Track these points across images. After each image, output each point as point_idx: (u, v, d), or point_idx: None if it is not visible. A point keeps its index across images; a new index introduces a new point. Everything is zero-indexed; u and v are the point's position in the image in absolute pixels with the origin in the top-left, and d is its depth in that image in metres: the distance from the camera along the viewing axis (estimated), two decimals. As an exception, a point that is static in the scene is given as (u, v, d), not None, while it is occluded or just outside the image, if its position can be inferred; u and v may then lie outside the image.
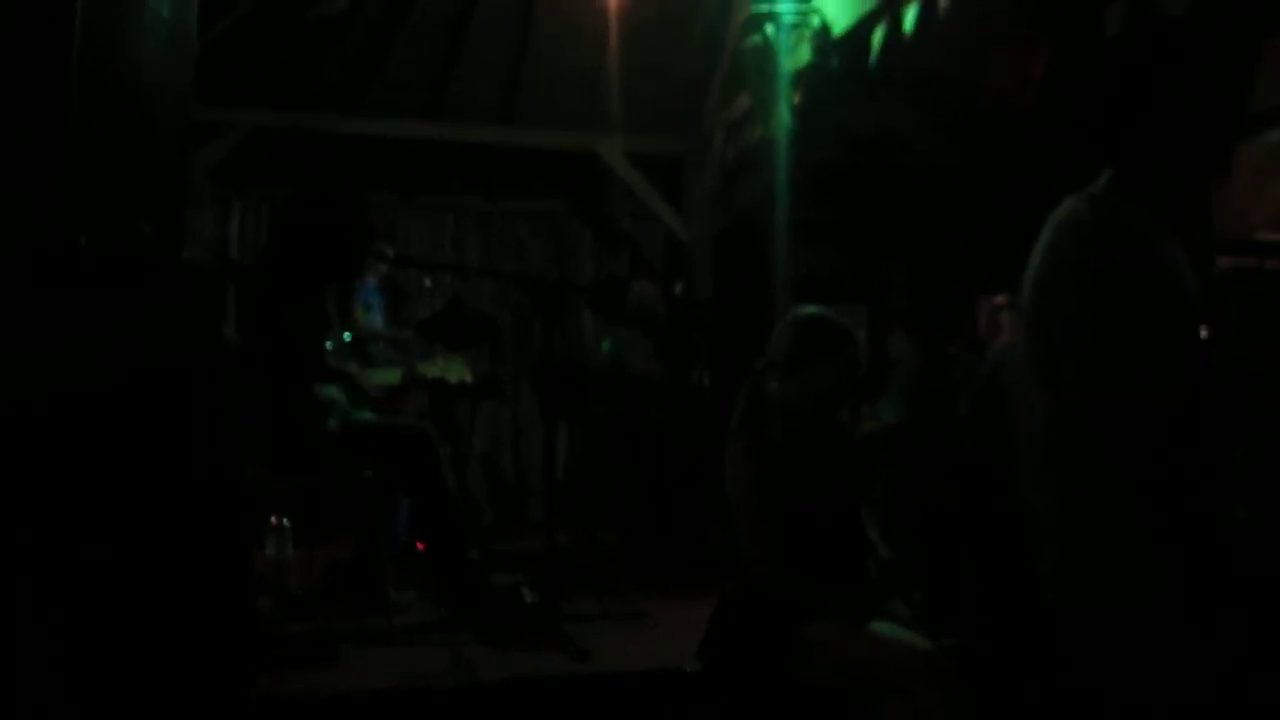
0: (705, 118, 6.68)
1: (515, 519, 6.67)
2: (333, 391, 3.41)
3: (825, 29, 4.77)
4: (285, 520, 3.72)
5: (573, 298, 6.87)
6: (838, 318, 2.58)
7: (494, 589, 3.40)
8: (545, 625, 3.12)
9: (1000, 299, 4.82)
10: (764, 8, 4.98)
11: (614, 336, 4.99)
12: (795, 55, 5.16)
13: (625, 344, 4.91)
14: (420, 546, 3.66)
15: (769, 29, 5.13)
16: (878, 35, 4.54)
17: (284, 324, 3.27)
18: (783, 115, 5.21)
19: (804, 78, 5.17)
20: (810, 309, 2.59)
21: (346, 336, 3.74)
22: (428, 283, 6.86)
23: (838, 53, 4.77)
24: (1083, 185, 1.74)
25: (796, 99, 5.29)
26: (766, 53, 5.19)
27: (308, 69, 6.17)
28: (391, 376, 3.77)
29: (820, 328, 2.54)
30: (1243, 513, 1.71)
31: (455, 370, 3.98)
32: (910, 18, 4.27)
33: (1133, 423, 1.58)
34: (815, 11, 4.86)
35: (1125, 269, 1.59)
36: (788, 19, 5.04)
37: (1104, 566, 1.65)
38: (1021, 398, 1.86)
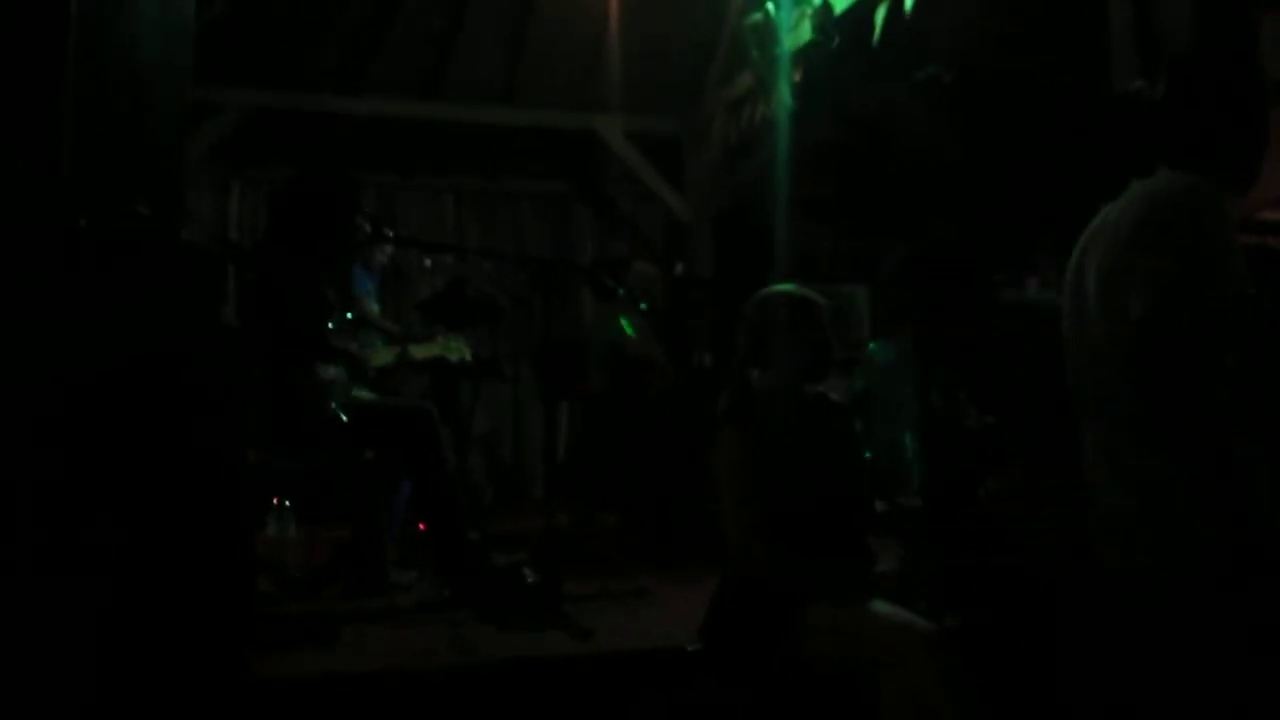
0: (705, 97, 6.64)
1: (515, 499, 6.69)
2: (333, 371, 3.41)
3: (826, 6, 4.74)
4: (286, 501, 3.73)
5: (572, 278, 6.85)
6: (797, 289, 2.56)
7: (495, 569, 3.41)
8: (546, 605, 3.13)
9: (1001, 278, 4.80)
10: (765, -16, 4.96)
11: (614, 321, 4.97)
12: (796, 33, 5.13)
13: (622, 324, 4.90)
14: (421, 527, 3.67)
15: (770, 6, 5.10)
16: (880, 13, 4.51)
17: (286, 307, 3.27)
18: (783, 94, 5.18)
19: (805, 56, 5.14)
20: (767, 290, 2.57)
21: (349, 315, 3.74)
22: (427, 263, 6.84)
23: (839, 30, 4.74)
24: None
25: (797, 77, 5.26)
26: (767, 30, 5.16)
27: (307, 48, 6.13)
28: (386, 357, 3.77)
29: (773, 306, 2.52)
30: None
31: (455, 349, 3.98)
32: (911, -4, 4.25)
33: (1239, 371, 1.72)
34: (816, -12, 4.83)
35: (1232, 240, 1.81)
36: (788, -5, 5.02)
37: (1175, 528, 1.73)
38: (1087, 364, 1.93)
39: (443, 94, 6.53)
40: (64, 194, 1.92)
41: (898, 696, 2.11)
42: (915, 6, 4.24)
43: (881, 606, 2.27)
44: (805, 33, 4.96)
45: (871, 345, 5.19)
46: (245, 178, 6.65)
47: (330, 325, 3.40)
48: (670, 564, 4.11)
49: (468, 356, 4.05)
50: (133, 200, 2.13)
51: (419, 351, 3.87)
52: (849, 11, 4.68)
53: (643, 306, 4.77)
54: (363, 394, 3.52)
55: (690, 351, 5.80)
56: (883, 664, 2.14)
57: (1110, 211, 1.95)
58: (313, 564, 3.75)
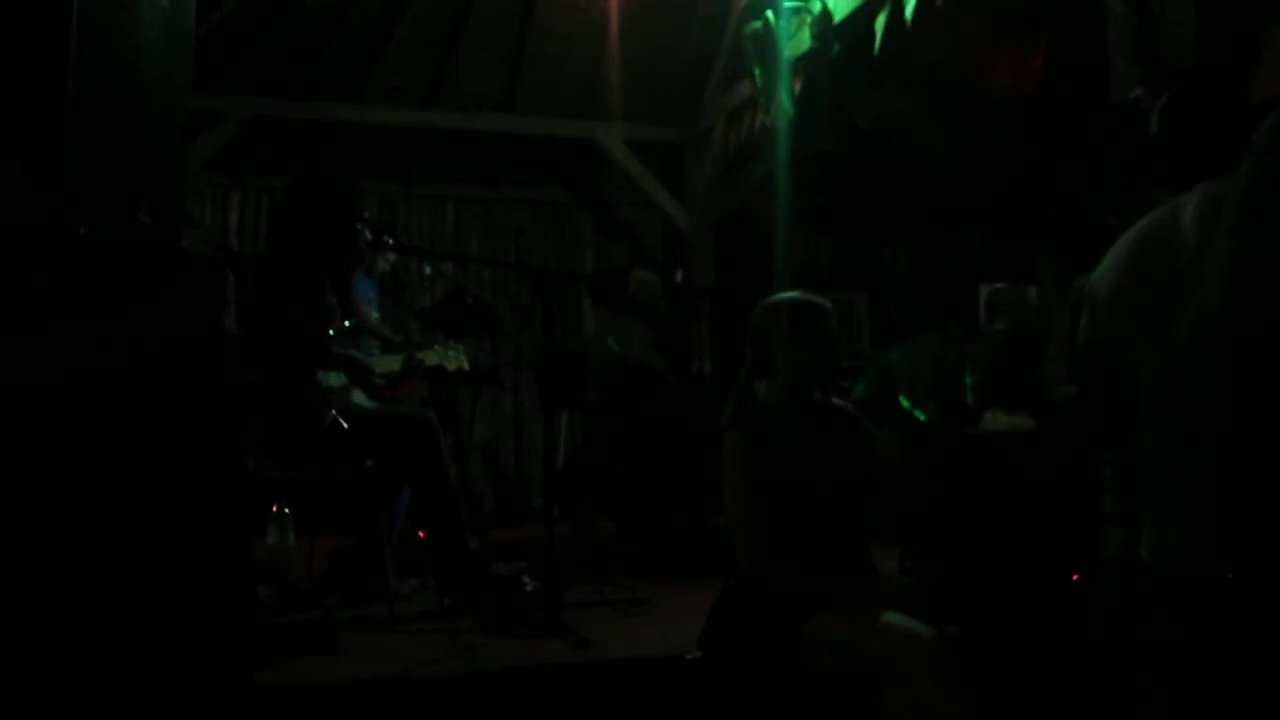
0: (706, 105, 6.66)
1: (515, 507, 6.69)
2: (334, 378, 3.41)
3: (826, 14, 4.75)
4: (286, 509, 3.72)
5: (573, 286, 6.85)
6: (800, 296, 2.54)
7: (494, 577, 3.41)
8: (545, 613, 3.13)
9: (1001, 284, 4.81)
10: (764, -8, 4.97)
11: (615, 329, 4.97)
12: (796, 41, 5.14)
13: (624, 332, 4.90)
14: (421, 535, 3.66)
15: (769, 14, 5.11)
16: (880, 21, 4.52)
17: (289, 314, 3.27)
18: (783, 102, 5.19)
19: (804, 64, 5.15)
20: (771, 298, 2.56)
21: (349, 323, 3.74)
22: (428, 271, 6.86)
23: (838, 39, 4.74)
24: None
25: (797, 85, 5.27)
26: (767, 38, 5.17)
27: (308, 57, 6.15)
28: (392, 362, 3.77)
29: (777, 312, 2.51)
30: None
31: (454, 359, 3.98)
32: (911, 3, 4.25)
33: None
34: (816, -3, 4.84)
35: None
36: (787, 4, 5.02)
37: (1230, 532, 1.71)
38: (1154, 359, 1.92)
39: (444, 102, 6.54)
40: (64, 201, 1.92)
41: (901, 707, 2.10)
42: (914, 16, 4.24)
43: (885, 616, 2.26)
44: (805, 40, 4.97)
45: (884, 353, 5.19)
46: (246, 186, 6.66)
47: (331, 332, 3.40)
48: (670, 572, 4.11)
49: (466, 366, 4.05)
50: (134, 208, 2.13)
51: (425, 355, 3.88)
52: (849, 19, 4.69)
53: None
54: (362, 402, 3.52)
55: (691, 359, 5.81)
56: (885, 674, 2.13)
57: (1163, 213, 1.95)
58: (313, 572, 3.75)
